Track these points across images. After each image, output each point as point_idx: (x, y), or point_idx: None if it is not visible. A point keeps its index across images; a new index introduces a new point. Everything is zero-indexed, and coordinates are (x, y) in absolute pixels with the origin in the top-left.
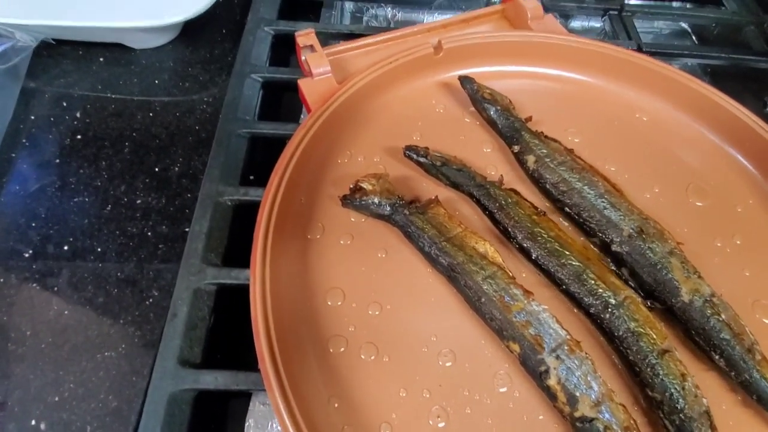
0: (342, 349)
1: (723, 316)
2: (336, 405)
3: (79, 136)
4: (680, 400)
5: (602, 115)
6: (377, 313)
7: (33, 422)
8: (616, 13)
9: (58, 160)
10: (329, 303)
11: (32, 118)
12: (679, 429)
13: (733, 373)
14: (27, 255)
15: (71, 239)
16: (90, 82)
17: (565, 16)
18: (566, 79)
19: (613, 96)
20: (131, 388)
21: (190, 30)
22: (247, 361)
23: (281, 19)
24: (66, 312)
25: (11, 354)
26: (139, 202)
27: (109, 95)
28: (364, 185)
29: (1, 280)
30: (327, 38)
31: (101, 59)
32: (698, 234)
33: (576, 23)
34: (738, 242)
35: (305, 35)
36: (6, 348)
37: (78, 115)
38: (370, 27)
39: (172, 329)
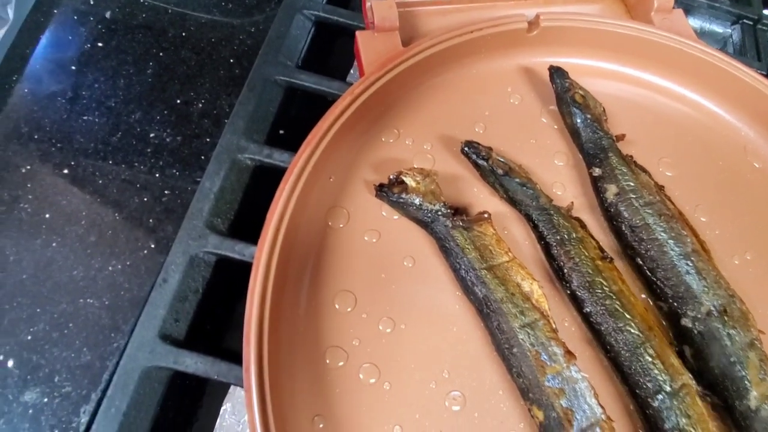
0: (340, 364)
1: None
2: (321, 426)
3: (100, 44)
4: None
5: (708, 151)
6: (388, 330)
7: (0, 357)
8: (750, 23)
9: (74, 67)
10: (337, 307)
11: (55, 12)
12: None
13: None
14: (24, 171)
15: (72, 163)
16: None
17: (685, 11)
18: (678, 96)
19: (728, 130)
20: (107, 344)
21: None
22: (233, 348)
23: None
24: (54, 244)
25: None
26: (152, 135)
27: (142, 1)
28: (407, 180)
29: None
30: None
31: None
32: None
33: (695, 22)
34: None
35: None
36: None
37: (107, 16)
38: None
39: (159, 296)
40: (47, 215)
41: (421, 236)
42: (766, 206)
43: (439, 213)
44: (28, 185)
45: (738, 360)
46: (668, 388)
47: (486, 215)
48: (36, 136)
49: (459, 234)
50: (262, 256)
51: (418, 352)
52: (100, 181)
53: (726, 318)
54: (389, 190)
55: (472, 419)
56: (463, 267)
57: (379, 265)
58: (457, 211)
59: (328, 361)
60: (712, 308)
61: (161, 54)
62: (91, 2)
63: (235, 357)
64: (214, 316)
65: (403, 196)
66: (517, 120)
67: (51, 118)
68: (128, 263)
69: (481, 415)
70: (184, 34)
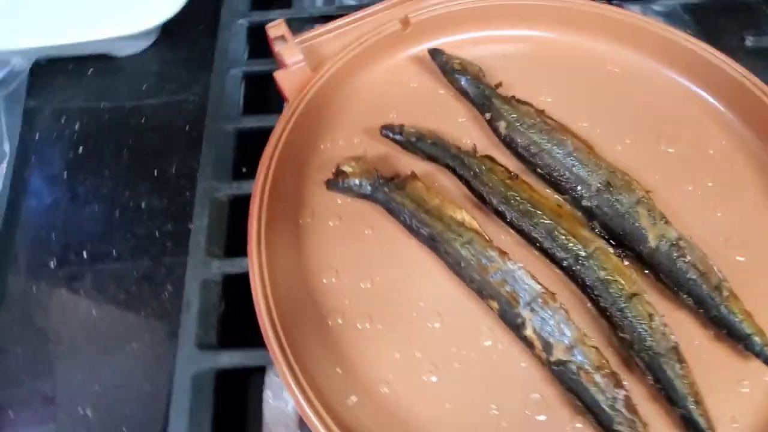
0: (339, 321)
1: (689, 258)
2: (339, 371)
3: (81, 148)
4: (648, 338)
5: (574, 72)
6: (369, 286)
7: (80, 411)
8: None
9: (65, 174)
10: (324, 281)
11: (37, 136)
12: (648, 365)
13: (702, 311)
14: (52, 264)
15: (89, 246)
16: (83, 95)
17: None
18: (537, 38)
19: (585, 51)
20: (160, 373)
21: (170, 31)
22: (259, 340)
23: (254, 10)
24: (94, 312)
25: (53, 354)
26: (143, 205)
27: (102, 105)
28: (345, 168)
29: (35, 288)
30: (302, 23)
31: (90, 71)
32: (670, 180)
33: None
34: (709, 185)
35: (275, 26)
36: (47, 349)
37: (77, 128)
38: (343, 6)
39: (188, 318)
40: (81, 292)
41: (373, 208)
42: (632, 99)
43: (377, 184)
44: (59, 274)
45: (630, 216)
46: (584, 253)
47: (412, 174)
48: (53, 235)
49: (396, 194)
50: (254, 260)
51: (396, 293)
52: (114, 252)
53: (611, 189)
54: (335, 181)
55: (450, 328)
56: (407, 217)
57: (347, 240)
58: (392, 179)
59: (330, 323)
60: (599, 185)
61: (130, 141)
62: (63, 120)
63: (261, 345)
64: (237, 318)
65: (346, 180)
66: (419, 99)
67: (60, 218)
68: (156, 306)
69: (457, 324)
70: (143, 120)
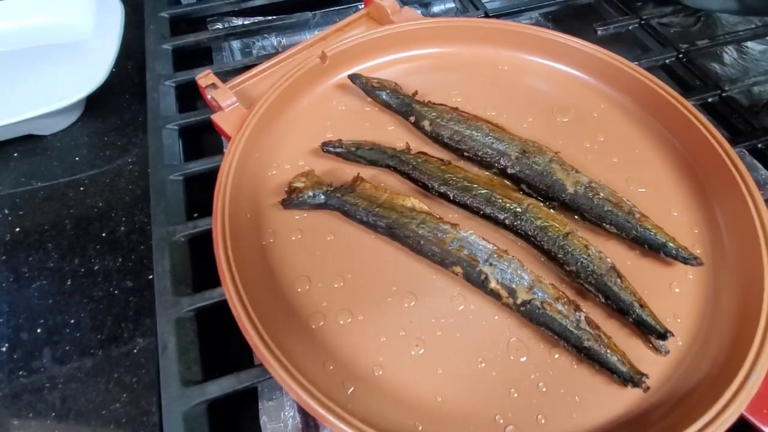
0: (321, 323)
1: (602, 194)
2: (331, 367)
3: (17, 229)
4: (589, 264)
5: (473, 75)
6: (342, 284)
7: None
8: None
9: (4, 257)
10: (299, 290)
11: None
12: (596, 286)
13: (623, 234)
14: (4, 349)
15: (42, 321)
16: (12, 178)
17: (425, 5)
18: (437, 54)
19: (478, 58)
20: (145, 426)
21: (95, 104)
22: (245, 362)
23: (178, 71)
24: (59, 385)
25: None
26: (96, 267)
27: (35, 184)
28: (297, 184)
29: None
30: (225, 76)
31: (16, 154)
32: (571, 142)
33: (436, 8)
34: (602, 139)
35: (204, 77)
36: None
37: (7, 211)
38: (261, 57)
39: (167, 360)
40: (42, 369)
41: (330, 215)
42: (524, 87)
43: (329, 192)
44: (14, 356)
45: (548, 172)
46: (520, 210)
47: (359, 177)
48: (1, 320)
49: (349, 197)
50: (229, 285)
51: (368, 285)
52: (72, 321)
53: (527, 155)
54: (290, 198)
55: (425, 303)
56: (363, 215)
57: (312, 248)
58: (342, 186)
59: (313, 326)
60: (517, 154)
61: (71, 210)
62: (7, 212)
63: (248, 366)
64: (218, 349)
65: (300, 195)
66: (349, 117)
67: (6, 301)
68: (128, 363)
69: (430, 297)
70: (82, 188)
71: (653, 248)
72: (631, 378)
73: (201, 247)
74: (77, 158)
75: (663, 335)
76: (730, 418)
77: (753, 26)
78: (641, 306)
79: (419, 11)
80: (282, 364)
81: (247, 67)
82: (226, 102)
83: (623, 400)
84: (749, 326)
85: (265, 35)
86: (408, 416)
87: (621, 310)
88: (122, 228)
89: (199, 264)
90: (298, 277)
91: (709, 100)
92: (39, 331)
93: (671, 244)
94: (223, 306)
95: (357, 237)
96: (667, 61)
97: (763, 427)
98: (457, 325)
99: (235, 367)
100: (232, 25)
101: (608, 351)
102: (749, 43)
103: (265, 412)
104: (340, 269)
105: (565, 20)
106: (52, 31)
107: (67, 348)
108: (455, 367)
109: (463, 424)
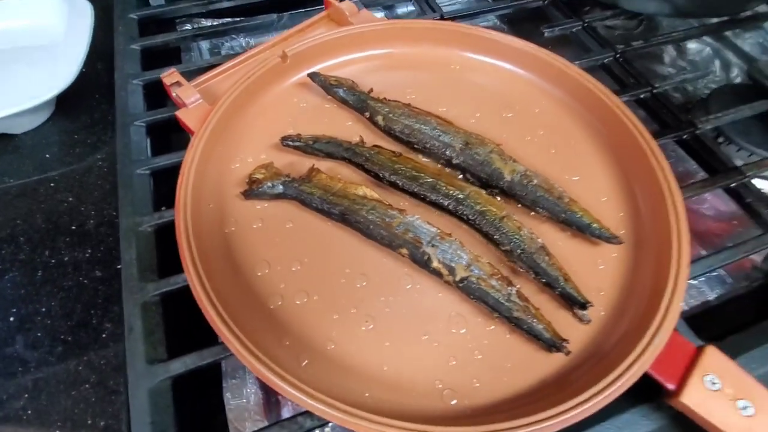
0: (279, 303)
1: (535, 181)
2: (287, 343)
3: None
4: (521, 243)
5: (426, 74)
6: (299, 268)
7: None
8: None
9: None
10: (259, 274)
11: None
12: (526, 263)
13: (554, 217)
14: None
15: (14, 310)
16: None
17: (390, 8)
18: (391, 54)
19: (430, 57)
20: (113, 405)
21: (66, 103)
22: (211, 342)
23: (146, 71)
24: (32, 368)
25: None
26: (66, 259)
27: (7, 182)
28: (257, 175)
29: None
30: (192, 75)
31: None
32: (514, 135)
33: (399, 10)
34: (542, 132)
35: (169, 75)
36: None
37: None
38: (227, 56)
39: (133, 341)
40: (15, 354)
41: (289, 204)
42: (473, 85)
43: (287, 182)
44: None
45: (488, 162)
46: (461, 196)
47: (314, 168)
48: None
49: (305, 187)
50: (189, 268)
51: (323, 267)
52: (44, 309)
53: (470, 146)
54: (250, 189)
55: (376, 283)
56: (318, 203)
57: (272, 235)
58: (299, 177)
59: (271, 306)
60: (461, 146)
61: (42, 206)
62: None
63: (211, 344)
64: (183, 327)
65: (260, 186)
66: (309, 114)
67: None
68: (97, 347)
69: (380, 278)
70: (52, 185)
71: (580, 229)
72: (554, 343)
73: (168, 236)
74: (48, 156)
75: (583, 305)
76: (636, 373)
77: (688, 27)
78: (566, 280)
79: (383, 13)
80: (240, 340)
81: (212, 67)
82: (190, 99)
83: (549, 363)
84: (658, 297)
85: (233, 36)
86: (358, 385)
87: (548, 284)
88: (91, 221)
89: (166, 252)
90: (259, 261)
91: (641, 96)
92: (12, 319)
93: (595, 225)
94: (188, 290)
95: (314, 224)
96: (605, 61)
97: (664, 382)
98: (404, 302)
99: (201, 343)
100: (200, 26)
101: (534, 320)
102: (688, 44)
103: (228, 390)
104: (298, 254)
105: (516, 22)
106: (25, 34)
107: (39, 335)
108: (401, 341)
109: (406, 391)
